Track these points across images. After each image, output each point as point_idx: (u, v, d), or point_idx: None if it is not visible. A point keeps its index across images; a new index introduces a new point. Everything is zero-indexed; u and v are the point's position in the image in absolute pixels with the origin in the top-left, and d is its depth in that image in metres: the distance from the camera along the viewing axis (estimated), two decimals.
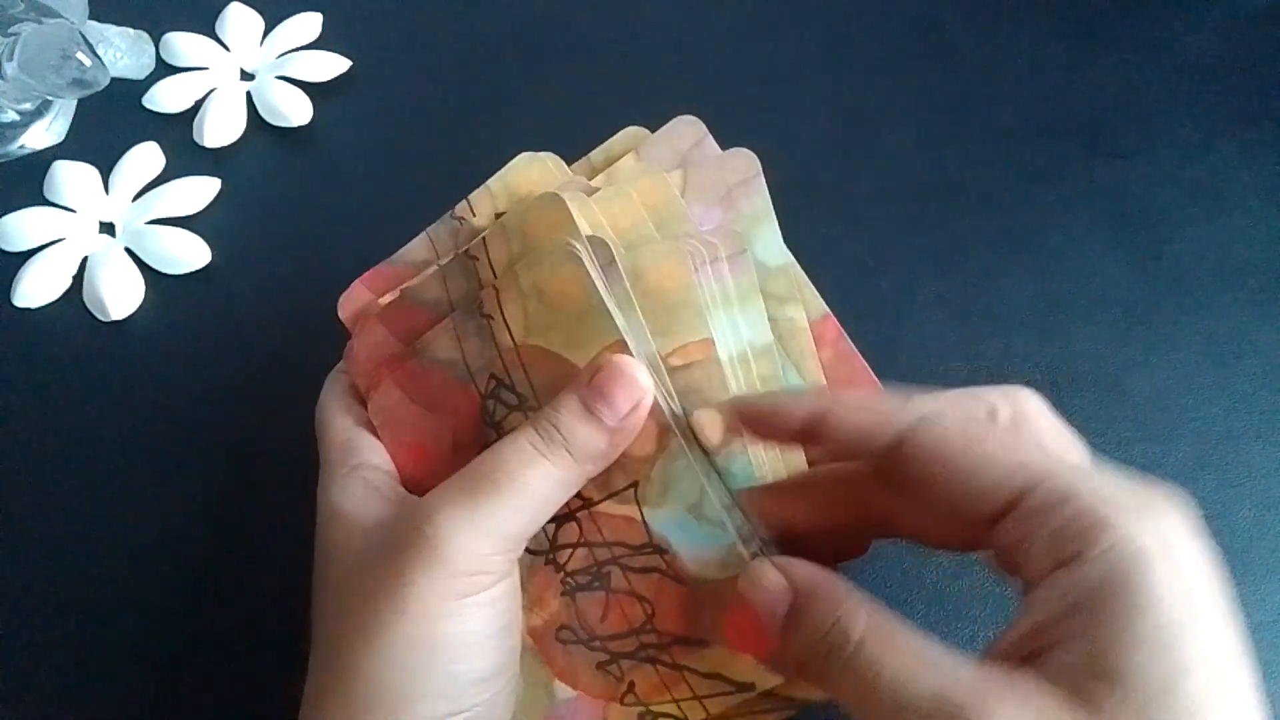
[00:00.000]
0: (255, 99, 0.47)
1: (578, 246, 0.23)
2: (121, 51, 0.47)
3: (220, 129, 0.46)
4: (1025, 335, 0.39)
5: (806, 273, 0.41)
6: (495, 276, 0.25)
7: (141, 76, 0.48)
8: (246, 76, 0.48)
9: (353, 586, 0.23)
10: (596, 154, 0.30)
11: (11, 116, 0.45)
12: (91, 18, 0.48)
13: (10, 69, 0.42)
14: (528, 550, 0.25)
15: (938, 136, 0.46)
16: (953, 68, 0.49)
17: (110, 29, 0.48)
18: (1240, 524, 0.34)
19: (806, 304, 0.26)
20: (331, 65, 0.47)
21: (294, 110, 0.45)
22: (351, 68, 0.48)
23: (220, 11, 0.50)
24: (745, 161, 0.27)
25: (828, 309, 0.26)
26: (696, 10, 0.52)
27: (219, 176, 0.45)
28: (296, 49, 0.48)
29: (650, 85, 0.48)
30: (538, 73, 0.49)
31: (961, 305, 0.40)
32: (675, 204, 0.26)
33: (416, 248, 0.29)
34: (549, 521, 0.24)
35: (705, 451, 0.24)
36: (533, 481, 0.23)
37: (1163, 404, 0.37)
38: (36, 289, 0.42)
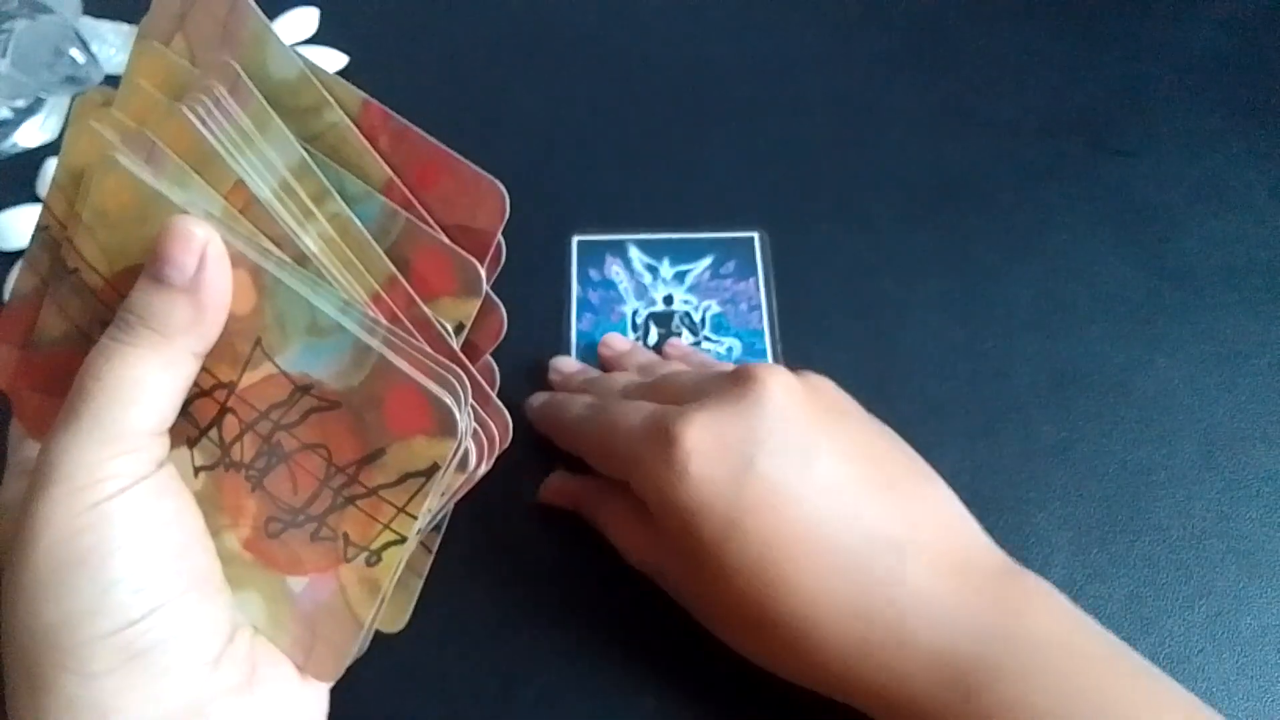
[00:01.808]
0: None
1: (111, 153, 0.23)
2: (115, 47, 0.47)
3: None
4: (1028, 335, 0.39)
5: (802, 270, 0.41)
6: (64, 229, 0.25)
7: None
8: None
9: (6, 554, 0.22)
10: None
11: (4, 114, 0.45)
12: (85, 13, 0.48)
13: (3, 65, 0.42)
14: (205, 468, 0.24)
15: (940, 134, 0.46)
16: (955, 64, 0.49)
17: (104, 25, 0.47)
18: (1247, 526, 0.34)
19: (341, 101, 0.24)
20: (328, 60, 0.46)
21: None
22: (349, 63, 0.47)
23: None
24: None
25: (365, 95, 0.24)
26: (695, 6, 0.51)
27: None
28: (293, 44, 0.47)
29: (647, 82, 0.48)
30: (534, 66, 0.49)
31: (963, 305, 0.40)
32: (174, 68, 0.25)
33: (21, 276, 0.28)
34: (211, 427, 0.24)
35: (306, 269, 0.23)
36: (125, 374, 0.22)
37: (1168, 405, 0.37)
38: None
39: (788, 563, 0.26)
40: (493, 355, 0.26)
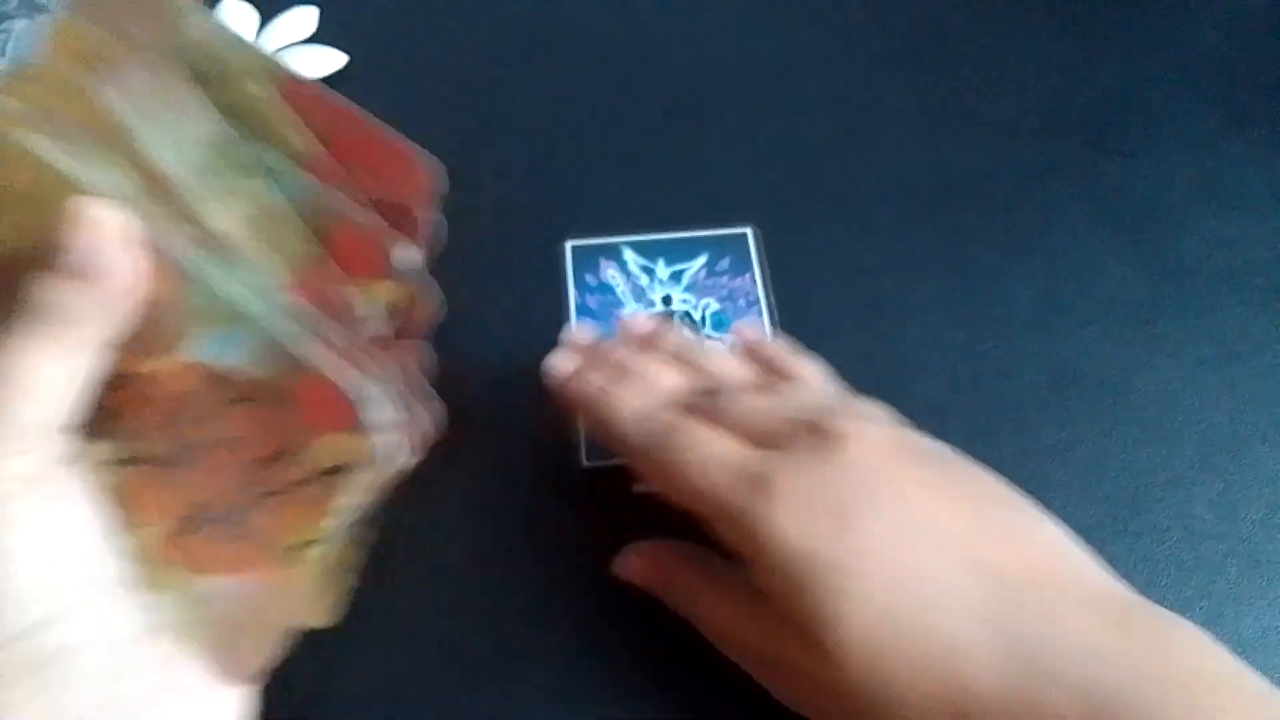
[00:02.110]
0: None
1: (10, 130, 0.22)
2: None
3: None
4: (1028, 335, 0.39)
5: (802, 269, 0.41)
6: None
7: None
8: None
9: None
10: None
11: None
12: None
13: (2, 66, 0.42)
14: (116, 463, 0.23)
15: (940, 134, 0.46)
16: (955, 64, 0.48)
17: None
18: (1247, 528, 0.34)
19: (266, 72, 0.24)
20: (328, 60, 0.46)
21: None
22: (348, 63, 0.47)
23: (215, 6, 0.49)
24: None
25: (290, 68, 0.23)
26: (695, 5, 0.51)
27: None
28: (292, 44, 0.48)
29: (646, 83, 0.48)
30: (534, 66, 0.49)
31: (963, 305, 0.40)
32: (90, 40, 0.23)
33: None
34: (123, 419, 0.23)
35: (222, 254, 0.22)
36: (23, 366, 0.21)
37: (1168, 405, 0.37)
38: None
39: (916, 604, 0.25)
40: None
